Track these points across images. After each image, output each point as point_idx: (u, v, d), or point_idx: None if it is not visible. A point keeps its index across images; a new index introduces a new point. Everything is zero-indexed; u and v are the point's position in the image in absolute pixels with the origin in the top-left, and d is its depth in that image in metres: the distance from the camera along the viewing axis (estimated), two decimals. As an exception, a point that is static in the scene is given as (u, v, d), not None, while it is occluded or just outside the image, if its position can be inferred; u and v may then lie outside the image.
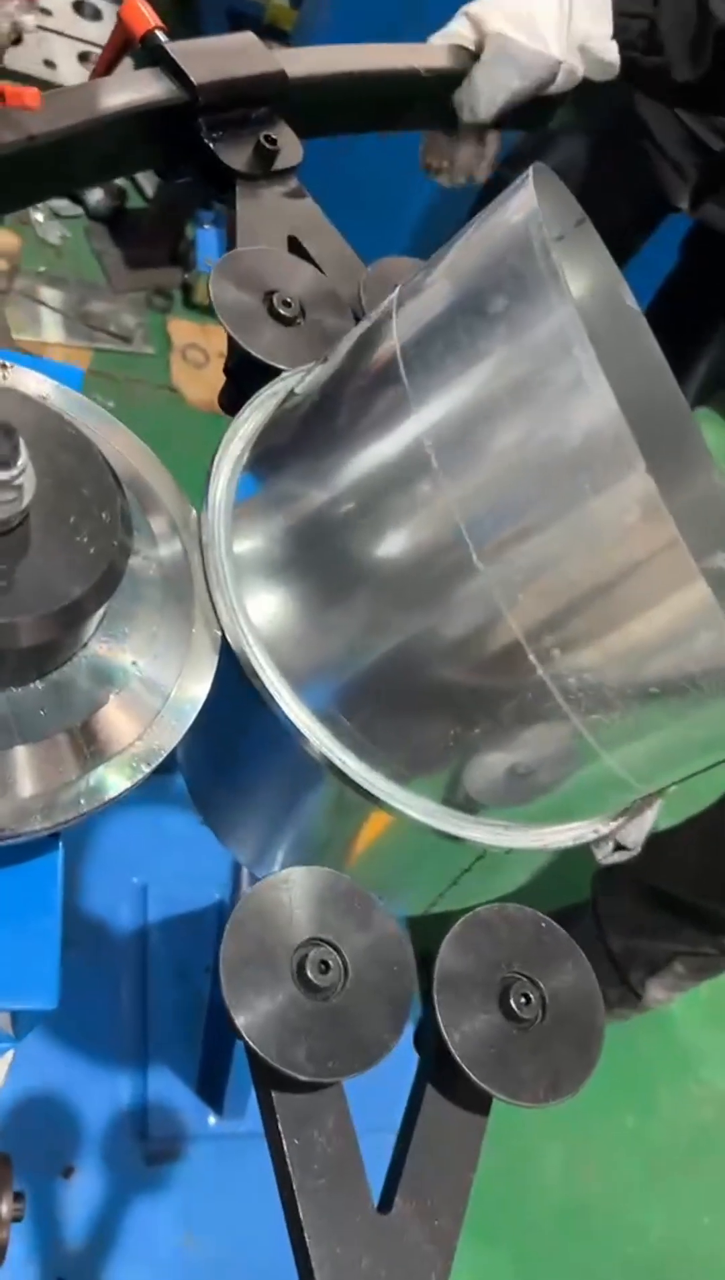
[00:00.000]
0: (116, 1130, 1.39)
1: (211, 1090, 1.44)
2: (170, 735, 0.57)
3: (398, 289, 0.54)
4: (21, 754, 0.52)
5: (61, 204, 2.29)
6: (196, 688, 0.58)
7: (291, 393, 0.63)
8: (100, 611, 0.55)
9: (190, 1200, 1.38)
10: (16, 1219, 0.72)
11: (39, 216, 2.26)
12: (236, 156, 0.80)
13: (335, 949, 0.53)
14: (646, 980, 1.62)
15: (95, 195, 2.28)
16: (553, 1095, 0.53)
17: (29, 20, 2.33)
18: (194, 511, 0.64)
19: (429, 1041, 0.56)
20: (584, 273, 0.56)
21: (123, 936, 1.51)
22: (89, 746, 0.54)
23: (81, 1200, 1.34)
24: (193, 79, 0.80)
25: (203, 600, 0.61)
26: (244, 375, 0.71)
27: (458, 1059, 0.52)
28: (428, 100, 0.95)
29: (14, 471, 0.49)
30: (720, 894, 1.50)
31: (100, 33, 2.33)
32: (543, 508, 0.46)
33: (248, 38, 0.84)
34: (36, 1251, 1.30)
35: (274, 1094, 0.53)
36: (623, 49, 0.98)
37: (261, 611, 0.59)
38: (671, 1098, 1.97)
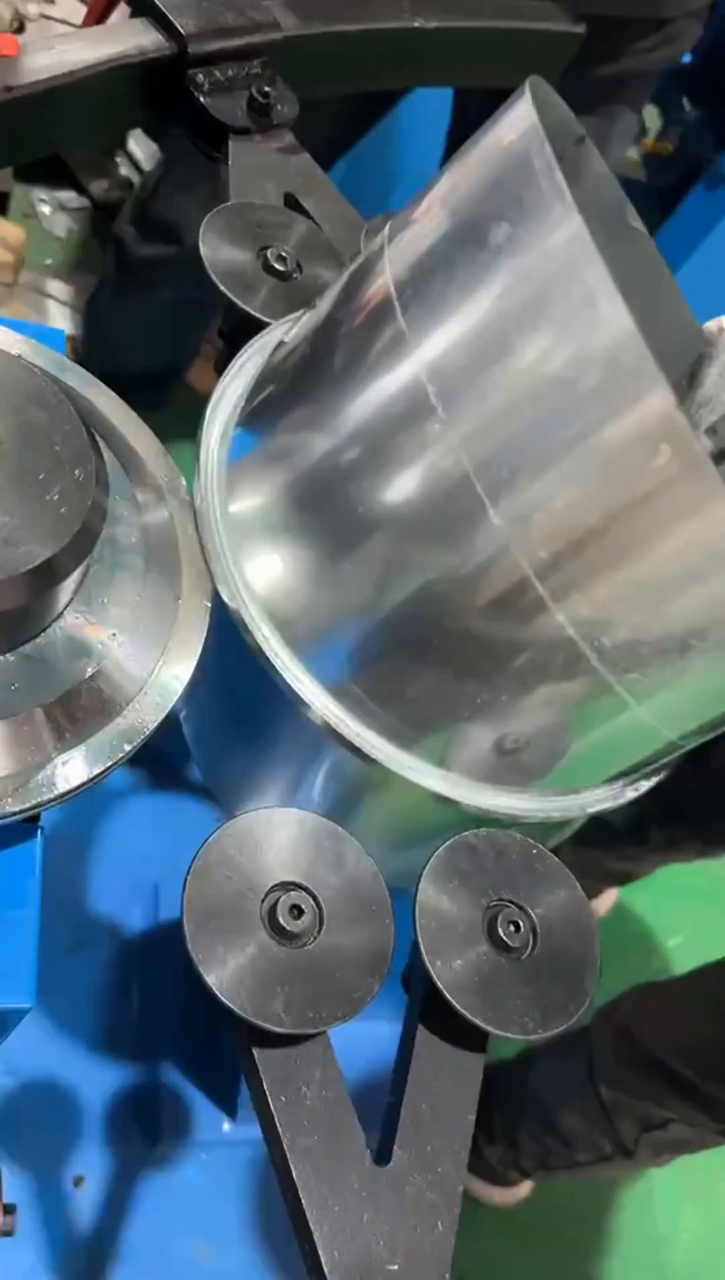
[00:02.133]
0: (128, 1138, 1.35)
1: (226, 1094, 1.40)
2: (154, 712, 0.53)
3: (388, 223, 0.50)
4: (-10, 731, 0.48)
5: (68, 196, 2.26)
6: (182, 662, 0.54)
7: (281, 343, 0.59)
8: (74, 579, 0.51)
9: (205, 1209, 1.34)
10: (7, 1233, 0.68)
11: (45, 209, 2.23)
12: (228, 111, 0.76)
13: (308, 892, 0.50)
14: (640, 1136, 1.41)
15: (101, 186, 2.25)
16: (542, 1027, 0.50)
17: (32, 9, 2.30)
18: (182, 478, 0.60)
19: (416, 979, 0.52)
20: (586, 195, 0.52)
21: (134, 936, 1.47)
22: (65, 724, 0.50)
23: (93, 1210, 1.30)
24: (181, 30, 0.76)
25: (190, 570, 0.57)
26: (241, 336, 0.67)
27: (443, 991, 0.49)
28: (431, 55, 0.91)
29: (-26, 421, 0.45)
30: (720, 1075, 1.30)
31: (105, 23, 2.30)
32: (556, 439, 0.42)
33: (241, -13, 0.80)
34: (47, 1263, 1.26)
35: (255, 1052, 0.49)
36: None
37: (262, 575, 0.55)
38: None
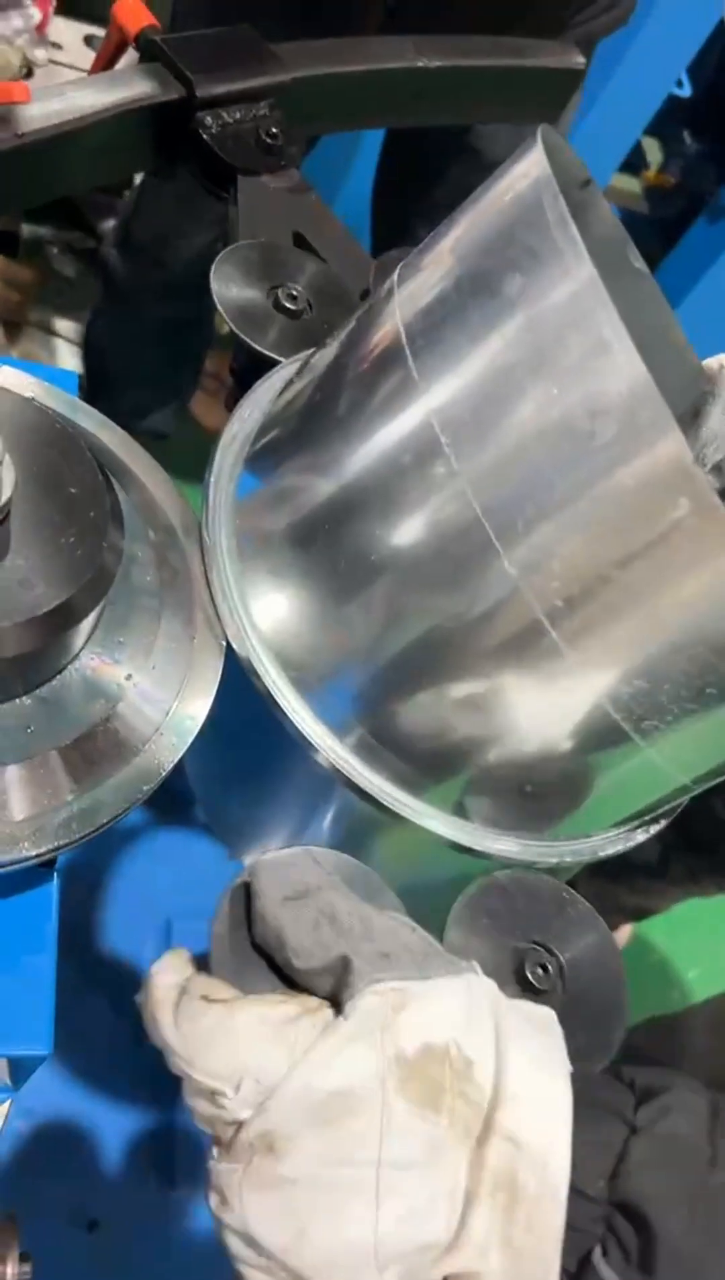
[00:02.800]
0: (142, 1180, 1.33)
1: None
2: (170, 753, 0.52)
3: (399, 267, 0.51)
4: (8, 775, 0.48)
5: (76, 236, 2.28)
6: (198, 702, 0.54)
7: (289, 382, 0.59)
8: (91, 620, 0.50)
9: (221, 1255, 1.32)
10: (24, 1283, 0.67)
11: (54, 249, 2.25)
12: (236, 152, 0.77)
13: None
14: None
15: (109, 226, 2.27)
16: None
17: (40, 55, 2.32)
18: (195, 515, 0.60)
19: None
20: (590, 237, 0.52)
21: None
22: (82, 767, 0.50)
23: (107, 1256, 1.28)
24: (189, 75, 0.77)
25: (206, 608, 0.57)
26: (251, 375, 0.68)
27: None
28: (435, 95, 0.92)
29: (-7, 460, 0.45)
30: None
31: (111, 66, 2.32)
32: (569, 485, 0.42)
33: (246, 31, 0.81)
34: (61, 1309, 1.24)
35: None
36: None
37: (269, 615, 0.55)
38: None
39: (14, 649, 0.46)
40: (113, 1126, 1.35)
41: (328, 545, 0.51)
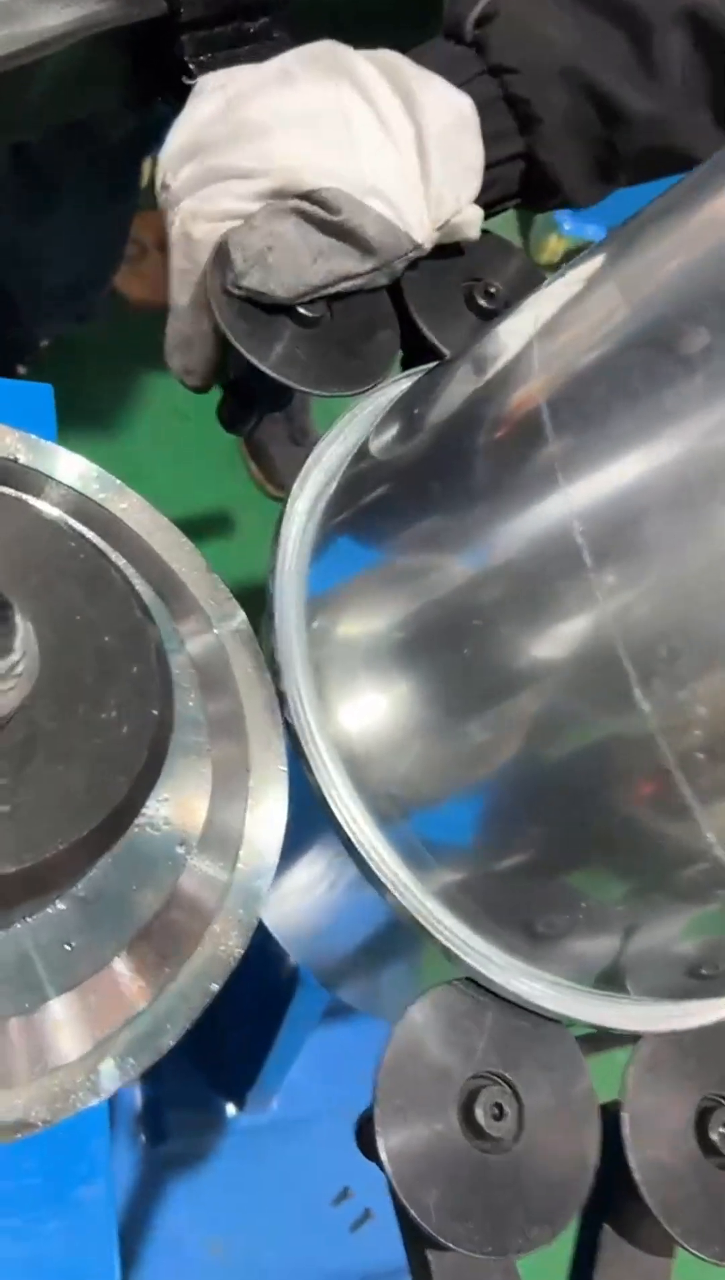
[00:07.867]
0: (130, 1134, 1.30)
1: (231, 1083, 1.34)
2: (240, 934, 0.43)
3: (533, 299, 0.39)
4: (54, 1010, 0.38)
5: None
6: (263, 858, 0.44)
7: (366, 453, 0.47)
8: (138, 798, 0.40)
9: (216, 1205, 1.30)
10: None
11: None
12: None
13: (510, 1087, 0.43)
14: None
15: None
16: None
17: None
18: (232, 599, 0.49)
19: (609, 1174, 0.46)
20: None
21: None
22: (139, 979, 0.40)
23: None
24: None
25: (256, 725, 0.46)
26: (251, 387, 0.56)
27: (644, 1193, 0.43)
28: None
29: (13, 658, 0.33)
30: None
31: None
32: None
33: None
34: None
35: (429, 1254, 0.43)
36: (499, 201, 0.63)
37: (351, 728, 0.45)
38: None
39: (50, 882, 0.36)
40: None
41: (430, 655, 0.41)
